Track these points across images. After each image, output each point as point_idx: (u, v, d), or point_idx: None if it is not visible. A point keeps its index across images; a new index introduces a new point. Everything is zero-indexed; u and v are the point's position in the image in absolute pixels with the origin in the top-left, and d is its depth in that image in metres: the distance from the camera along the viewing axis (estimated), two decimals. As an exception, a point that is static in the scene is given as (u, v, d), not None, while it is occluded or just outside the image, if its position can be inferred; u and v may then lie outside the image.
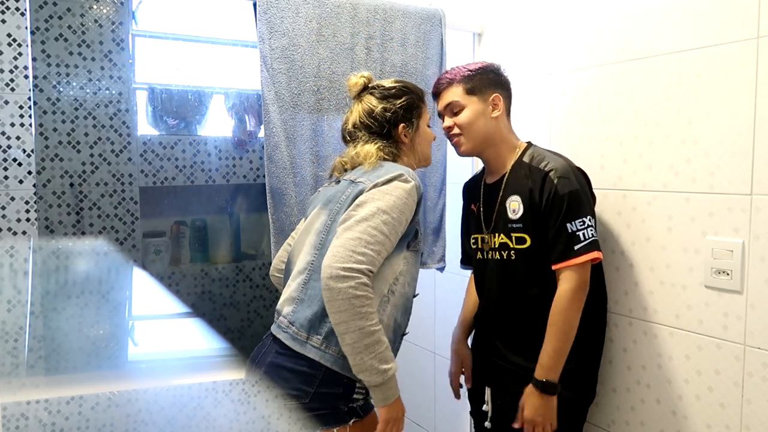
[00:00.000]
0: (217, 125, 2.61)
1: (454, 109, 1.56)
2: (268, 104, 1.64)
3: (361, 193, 1.35)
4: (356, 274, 1.23)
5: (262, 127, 1.67)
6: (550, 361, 1.44)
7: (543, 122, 1.83)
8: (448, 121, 1.58)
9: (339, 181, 1.47)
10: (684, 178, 1.45)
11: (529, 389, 1.45)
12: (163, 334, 2.48)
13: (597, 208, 1.65)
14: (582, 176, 1.52)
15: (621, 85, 1.59)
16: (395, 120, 1.47)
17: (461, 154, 1.59)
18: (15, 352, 1.58)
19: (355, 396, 1.36)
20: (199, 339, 2.41)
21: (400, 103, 1.48)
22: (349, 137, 1.51)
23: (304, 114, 1.69)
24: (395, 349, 1.41)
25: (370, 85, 1.52)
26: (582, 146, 1.70)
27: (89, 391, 1.69)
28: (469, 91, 1.55)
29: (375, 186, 1.34)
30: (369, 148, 1.44)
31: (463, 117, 1.55)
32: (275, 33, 1.64)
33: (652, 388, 1.55)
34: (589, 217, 1.45)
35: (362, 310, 1.24)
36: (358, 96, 1.52)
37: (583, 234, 1.43)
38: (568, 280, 1.43)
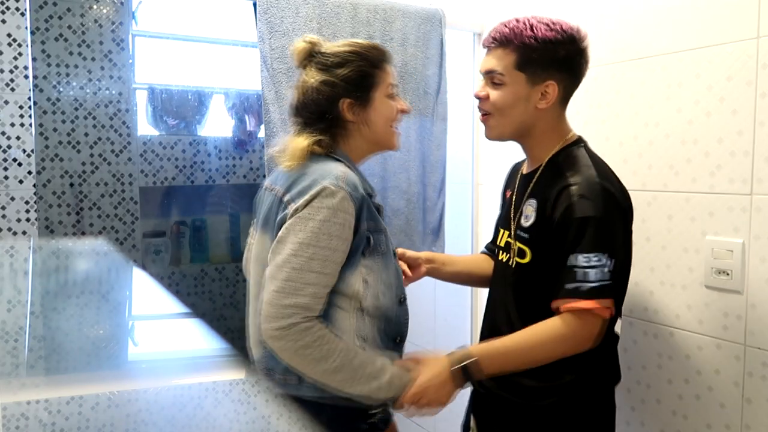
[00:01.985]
0: (217, 125, 2.62)
1: (494, 80, 1.25)
2: (268, 104, 1.64)
3: (284, 220, 1.16)
4: (291, 330, 1.09)
5: (262, 127, 1.67)
6: (493, 352, 1.18)
7: (543, 122, 1.82)
8: (482, 89, 1.28)
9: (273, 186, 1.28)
10: (684, 178, 1.45)
11: (441, 362, 1.18)
12: (163, 334, 2.47)
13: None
14: (615, 201, 1.19)
15: (621, 85, 1.59)
16: (336, 96, 1.22)
17: (489, 138, 1.33)
18: (15, 352, 1.58)
19: (371, 412, 1.24)
20: (199, 339, 2.41)
21: (345, 72, 1.21)
22: (289, 118, 1.31)
23: (304, 114, 1.69)
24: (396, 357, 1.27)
25: (315, 51, 1.26)
26: (582, 146, 1.70)
27: (89, 391, 1.69)
28: (520, 66, 1.22)
29: (296, 211, 1.14)
30: (296, 145, 1.22)
31: (499, 96, 1.25)
32: (275, 33, 1.64)
33: (652, 388, 1.55)
34: (607, 255, 1.14)
35: (315, 355, 1.10)
36: (302, 65, 1.27)
37: (589, 274, 1.12)
38: (567, 325, 1.15)
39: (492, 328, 1.36)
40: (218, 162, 2.59)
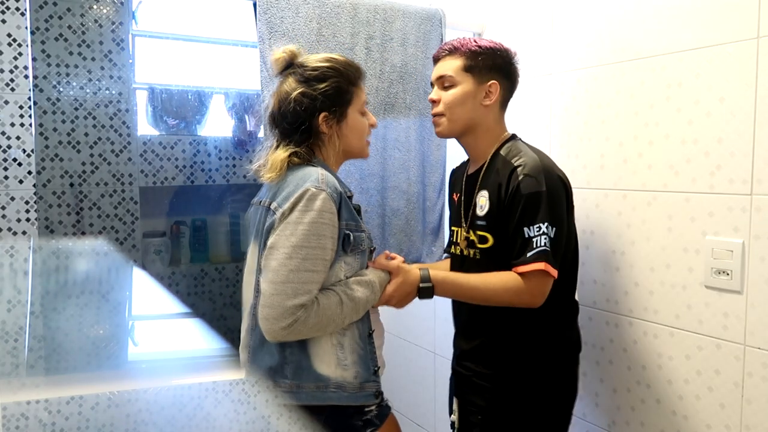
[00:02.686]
0: (217, 125, 2.61)
1: (444, 83, 1.44)
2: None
3: (272, 225, 1.23)
4: (296, 325, 1.18)
5: (262, 127, 1.66)
6: (449, 284, 1.39)
7: (543, 122, 1.83)
8: (434, 94, 1.47)
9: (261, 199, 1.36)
10: (684, 178, 1.45)
11: (413, 277, 1.37)
12: (163, 334, 2.47)
13: (597, 208, 1.65)
14: (557, 179, 1.39)
15: (621, 85, 1.59)
16: (313, 109, 1.28)
17: (438, 134, 1.50)
18: (15, 352, 1.58)
19: (367, 409, 1.30)
20: (199, 339, 2.41)
21: (324, 87, 1.28)
22: (267, 126, 1.36)
23: (304, 114, 1.69)
24: (371, 351, 1.34)
25: (295, 62, 1.32)
26: (582, 146, 1.70)
27: (89, 391, 1.69)
28: (468, 69, 1.43)
29: (283, 216, 1.21)
30: (277, 157, 1.28)
31: (450, 95, 1.43)
32: (275, 33, 1.64)
33: (652, 388, 1.55)
34: (546, 224, 1.32)
35: (323, 326, 1.22)
36: (281, 75, 1.33)
37: (538, 241, 1.32)
38: (518, 282, 1.33)
39: (459, 315, 1.57)
40: (218, 162, 2.59)
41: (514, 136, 1.49)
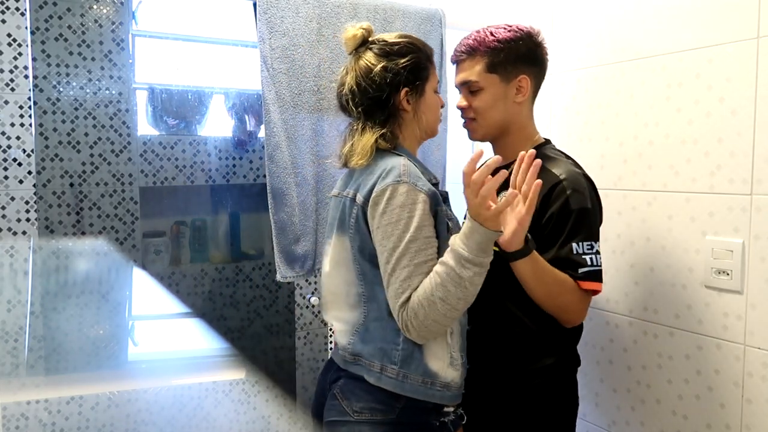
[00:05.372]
0: (217, 125, 2.61)
1: (471, 89, 1.36)
2: (268, 104, 1.64)
3: (357, 217, 1.22)
4: (408, 321, 1.16)
5: (262, 127, 1.67)
6: (538, 261, 1.24)
7: (543, 122, 1.83)
8: (463, 101, 1.39)
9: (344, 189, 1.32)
10: (684, 178, 1.45)
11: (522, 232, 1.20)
12: (163, 334, 2.47)
13: (597, 208, 1.65)
14: (595, 194, 1.33)
15: (621, 85, 1.59)
16: (397, 83, 1.25)
17: (473, 140, 1.44)
18: (15, 352, 1.57)
19: (445, 410, 1.24)
20: (199, 339, 2.41)
21: (405, 62, 1.25)
22: (345, 106, 1.31)
23: (305, 114, 1.69)
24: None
25: (370, 39, 1.29)
26: (582, 146, 1.70)
27: (89, 391, 1.69)
28: (491, 68, 1.33)
29: (373, 212, 1.18)
30: (366, 141, 1.25)
31: (480, 100, 1.35)
32: (275, 33, 1.64)
33: (652, 388, 1.55)
34: (598, 243, 1.28)
35: (440, 314, 1.14)
36: (356, 52, 1.30)
37: (591, 259, 1.25)
38: (577, 293, 1.26)
39: (484, 321, 1.38)
40: (218, 162, 2.59)
41: (548, 141, 1.43)
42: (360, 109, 1.27)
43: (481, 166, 1.11)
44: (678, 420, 1.49)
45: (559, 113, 1.77)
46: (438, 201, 1.21)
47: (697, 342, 1.44)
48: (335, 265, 1.30)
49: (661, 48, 1.49)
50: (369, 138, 1.25)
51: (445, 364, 1.21)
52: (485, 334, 1.38)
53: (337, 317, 1.32)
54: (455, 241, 1.14)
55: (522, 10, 1.90)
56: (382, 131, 1.26)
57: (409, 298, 1.15)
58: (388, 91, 1.25)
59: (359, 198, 1.23)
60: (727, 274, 1.37)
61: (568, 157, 1.38)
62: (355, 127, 1.29)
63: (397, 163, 1.20)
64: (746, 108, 1.32)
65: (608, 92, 1.62)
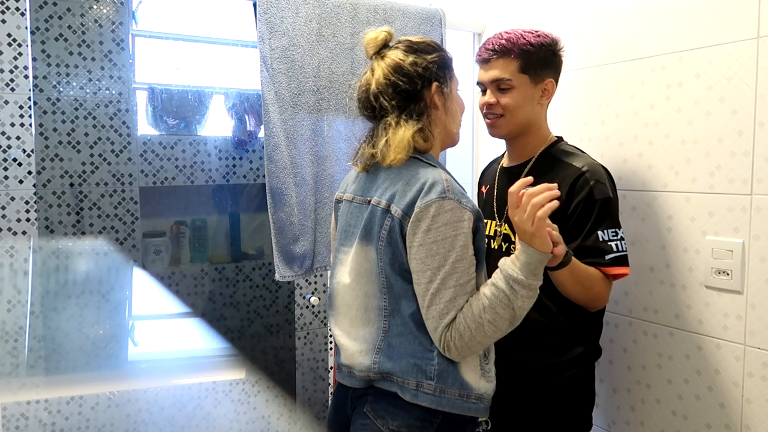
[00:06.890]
0: (217, 125, 2.61)
1: (501, 86, 1.38)
2: (268, 104, 1.64)
3: (393, 230, 1.18)
4: (450, 342, 1.14)
5: (262, 127, 1.67)
6: (575, 263, 1.28)
7: (543, 122, 1.83)
8: (491, 97, 1.40)
9: (370, 196, 1.25)
10: (684, 178, 1.45)
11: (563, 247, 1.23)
12: (163, 334, 2.48)
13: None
14: (613, 183, 1.38)
15: (621, 85, 1.59)
16: (429, 76, 1.22)
17: (496, 136, 1.45)
18: (15, 352, 1.58)
19: (479, 420, 1.23)
20: (199, 339, 2.41)
21: (432, 58, 1.24)
22: (371, 105, 1.25)
23: (304, 114, 1.69)
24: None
25: (391, 42, 1.28)
26: (582, 146, 1.70)
27: (89, 391, 1.69)
28: (524, 69, 1.37)
29: (416, 233, 1.14)
30: (403, 135, 1.20)
31: (510, 98, 1.38)
32: (275, 33, 1.64)
33: (652, 388, 1.55)
34: (621, 229, 1.34)
35: (484, 333, 1.14)
36: (378, 53, 1.27)
37: (616, 245, 1.31)
38: (605, 281, 1.32)
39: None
40: (218, 162, 2.59)
41: (561, 138, 1.48)
42: (393, 102, 1.22)
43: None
44: (678, 420, 1.49)
45: (559, 113, 1.77)
46: (480, 217, 1.19)
47: (697, 342, 1.44)
48: (357, 277, 1.25)
49: (661, 48, 1.49)
50: (405, 132, 1.20)
51: (478, 376, 1.20)
52: (520, 329, 1.36)
53: (349, 333, 1.27)
54: (506, 262, 1.14)
55: (522, 9, 1.90)
56: (419, 125, 1.22)
57: (454, 318, 1.13)
58: (420, 84, 1.22)
59: (395, 210, 1.18)
60: (727, 274, 1.37)
61: (583, 152, 1.43)
62: (388, 122, 1.22)
63: (438, 177, 1.16)
64: (746, 108, 1.32)
65: (608, 92, 1.62)
